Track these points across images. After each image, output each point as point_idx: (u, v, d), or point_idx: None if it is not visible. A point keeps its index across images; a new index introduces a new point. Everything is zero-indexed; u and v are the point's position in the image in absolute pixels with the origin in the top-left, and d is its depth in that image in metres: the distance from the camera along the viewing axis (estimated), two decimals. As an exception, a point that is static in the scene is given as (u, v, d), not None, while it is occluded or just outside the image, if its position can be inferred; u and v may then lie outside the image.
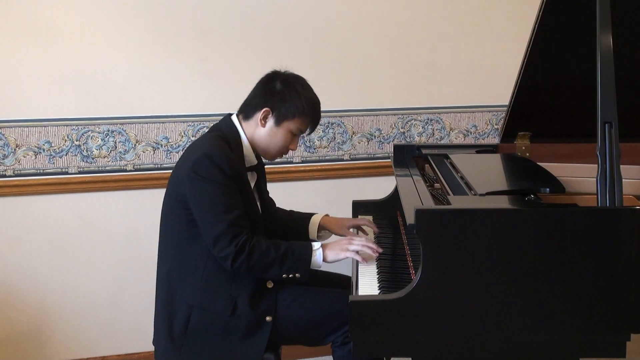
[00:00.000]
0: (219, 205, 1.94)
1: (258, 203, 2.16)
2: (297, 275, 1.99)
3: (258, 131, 2.09)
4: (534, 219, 1.65)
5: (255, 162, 2.14)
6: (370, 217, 2.53)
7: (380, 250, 2.05)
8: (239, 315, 2.01)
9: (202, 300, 2.02)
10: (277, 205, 2.39)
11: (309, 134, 2.19)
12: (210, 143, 2.01)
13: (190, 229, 2.01)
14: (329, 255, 2.02)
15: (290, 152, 2.28)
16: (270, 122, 2.08)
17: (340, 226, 2.34)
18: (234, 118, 2.13)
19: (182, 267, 2.05)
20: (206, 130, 2.52)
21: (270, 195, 2.35)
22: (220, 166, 1.95)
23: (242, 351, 2.01)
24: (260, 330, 2.02)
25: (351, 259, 2.07)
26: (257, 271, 1.97)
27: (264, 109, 2.06)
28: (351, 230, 2.35)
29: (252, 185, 2.13)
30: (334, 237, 2.35)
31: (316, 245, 2.03)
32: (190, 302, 2.02)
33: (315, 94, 2.13)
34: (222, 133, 2.08)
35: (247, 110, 2.11)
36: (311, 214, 2.38)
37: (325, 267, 2.09)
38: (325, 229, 2.36)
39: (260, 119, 2.07)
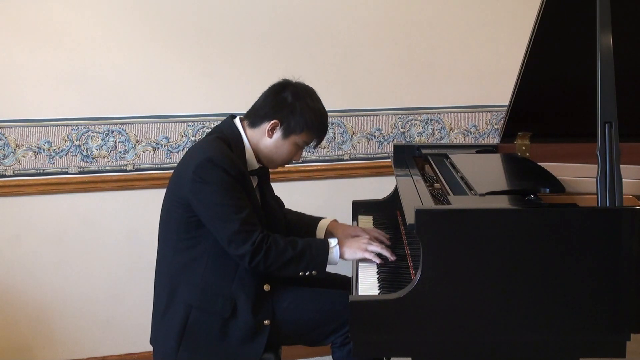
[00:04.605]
0: (228, 206, 1.93)
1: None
2: (313, 272, 2.00)
3: (264, 141, 2.08)
4: (534, 219, 1.64)
5: (256, 166, 2.12)
6: (370, 218, 2.53)
7: (394, 257, 2.04)
8: (238, 318, 2.01)
9: (202, 301, 2.02)
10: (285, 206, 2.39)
11: (315, 147, 2.18)
12: (210, 146, 2.01)
13: (189, 230, 2.01)
14: (346, 252, 2.04)
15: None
16: (278, 134, 2.07)
17: (345, 235, 2.27)
18: (237, 121, 2.11)
19: (181, 268, 2.04)
20: (207, 131, 2.52)
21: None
22: (224, 167, 1.94)
23: (240, 354, 2.01)
24: (258, 333, 2.01)
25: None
26: (274, 269, 1.97)
27: (273, 121, 2.05)
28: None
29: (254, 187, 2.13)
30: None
31: (333, 242, 2.03)
32: (189, 302, 2.02)
33: (323, 107, 2.11)
34: (223, 135, 2.07)
35: (254, 118, 2.09)
36: (319, 218, 2.36)
37: (340, 262, 2.09)
38: (332, 235, 2.33)
39: (268, 130, 2.06)
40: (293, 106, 2.05)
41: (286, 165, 2.20)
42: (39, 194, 2.76)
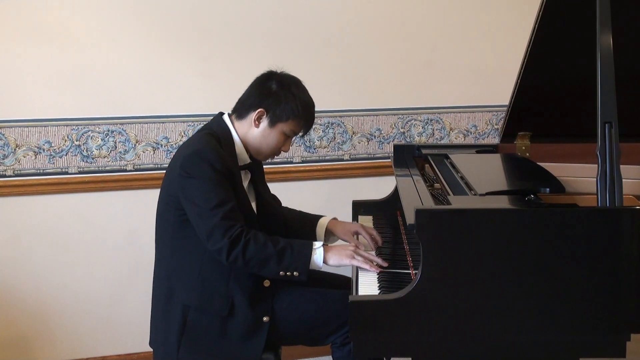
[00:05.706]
0: (211, 200, 1.92)
1: (254, 202, 2.15)
2: (295, 273, 1.94)
3: (251, 131, 2.08)
4: (534, 219, 1.64)
5: (248, 160, 2.12)
6: (370, 218, 2.53)
7: (386, 264, 1.99)
8: (236, 316, 2.00)
9: (199, 301, 2.01)
10: (282, 205, 2.38)
11: (302, 136, 2.18)
12: (199, 141, 2.01)
13: (184, 229, 2.01)
14: (331, 258, 1.98)
15: (290, 152, 2.28)
16: (264, 123, 2.07)
17: (344, 232, 2.29)
18: (226, 117, 2.12)
19: (178, 268, 2.04)
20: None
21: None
22: (210, 161, 1.94)
23: (240, 352, 2.01)
24: (257, 330, 2.01)
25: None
26: (253, 266, 1.93)
27: (259, 110, 2.05)
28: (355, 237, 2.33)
29: (246, 184, 2.13)
30: (339, 242, 2.35)
31: (317, 244, 1.99)
32: (187, 303, 2.02)
33: (310, 96, 2.11)
34: (213, 131, 2.07)
35: (241, 109, 2.10)
36: (319, 216, 2.35)
37: (325, 268, 2.08)
38: (332, 233, 2.33)
39: (255, 120, 2.06)
40: (278, 94, 2.05)
41: (284, 156, 2.19)
42: (39, 194, 2.76)
